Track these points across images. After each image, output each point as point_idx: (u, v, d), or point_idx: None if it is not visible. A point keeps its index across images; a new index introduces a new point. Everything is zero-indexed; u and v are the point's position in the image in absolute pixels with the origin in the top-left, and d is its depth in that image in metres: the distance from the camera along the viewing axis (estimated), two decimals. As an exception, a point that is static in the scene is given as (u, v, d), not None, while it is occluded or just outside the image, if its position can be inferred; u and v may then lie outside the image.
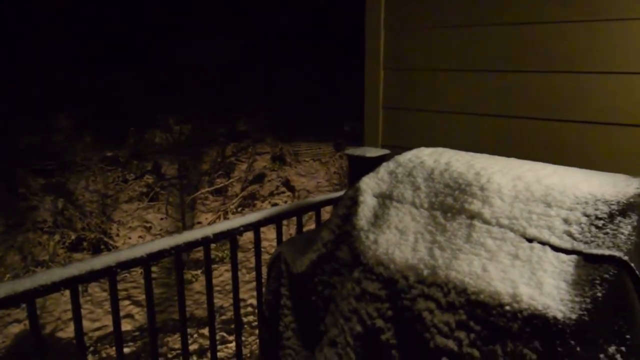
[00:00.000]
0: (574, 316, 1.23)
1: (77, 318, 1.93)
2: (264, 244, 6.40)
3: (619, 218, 1.40)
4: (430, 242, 1.58)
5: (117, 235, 7.25)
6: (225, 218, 7.51)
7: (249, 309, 5.26)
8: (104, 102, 10.73)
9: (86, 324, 5.00)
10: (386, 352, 1.56)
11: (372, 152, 2.76)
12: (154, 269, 6.04)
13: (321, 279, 1.87)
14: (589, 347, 1.21)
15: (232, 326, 4.66)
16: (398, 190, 1.81)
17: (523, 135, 2.60)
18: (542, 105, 2.53)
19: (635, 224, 1.38)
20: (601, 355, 1.20)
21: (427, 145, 2.09)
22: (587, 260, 1.33)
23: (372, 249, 1.66)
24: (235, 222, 2.38)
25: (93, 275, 1.89)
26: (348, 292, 1.69)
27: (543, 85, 2.52)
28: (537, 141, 2.56)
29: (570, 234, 1.40)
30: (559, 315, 1.24)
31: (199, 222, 7.73)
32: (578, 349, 1.21)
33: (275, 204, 8.00)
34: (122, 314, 5.09)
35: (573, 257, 1.35)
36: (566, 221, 1.43)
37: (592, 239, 1.37)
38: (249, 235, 6.46)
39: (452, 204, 1.65)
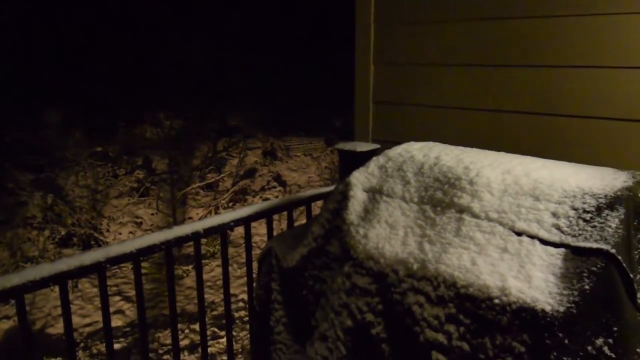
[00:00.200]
0: (562, 309, 1.24)
1: (67, 314, 1.92)
2: (255, 238, 6.40)
3: (606, 211, 1.41)
4: (420, 236, 1.59)
5: (108, 230, 7.22)
6: (217, 213, 7.50)
7: (240, 304, 5.27)
8: (93, 97, 10.64)
9: (76, 320, 4.99)
10: (376, 346, 1.56)
11: (362, 146, 2.76)
12: (144, 264, 6.03)
13: (312, 274, 1.87)
14: (577, 339, 1.22)
15: (224, 321, 4.66)
16: (388, 184, 1.81)
17: (513, 129, 2.61)
18: (532, 100, 2.54)
19: (622, 217, 1.39)
20: (589, 347, 1.22)
21: (418, 139, 2.09)
22: (575, 253, 1.33)
23: (362, 243, 1.67)
24: (226, 216, 2.37)
25: (82, 271, 1.88)
26: (338, 287, 1.69)
27: (533, 79, 2.53)
28: (527, 135, 2.57)
29: (558, 228, 1.41)
30: (548, 308, 1.25)
31: (190, 218, 7.72)
32: (566, 341, 1.22)
33: (267, 199, 8.00)
34: (112, 309, 5.08)
35: (561, 250, 1.36)
36: (555, 215, 1.44)
37: (580, 232, 1.38)
38: (240, 231, 6.46)
39: (441, 198, 1.65)
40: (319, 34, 11.88)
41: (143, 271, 5.03)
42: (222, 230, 2.38)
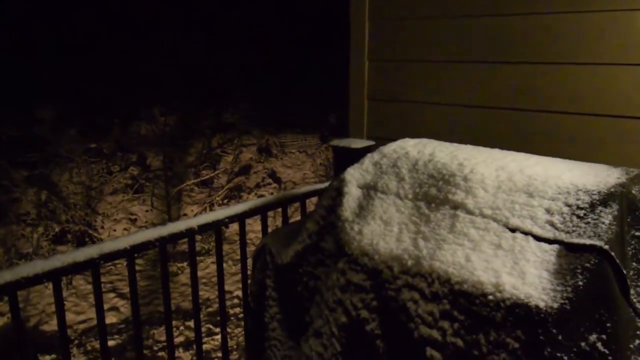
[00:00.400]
0: (555, 305, 1.24)
1: (60, 311, 1.91)
2: (250, 235, 6.40)
3: (600, 208, 1.41)
4: (415, 233, 1.59)
5: (102, 227, 7.20)
6: (211, 210, 7.48)
7: (235, 301, 5.26)
8: (87, 93, 10.60)
9: (71, 316, 4.97)
10: (371, 342, 1.57)
11: (357, 143, 2.76)
12: (139, 261, 6.02)
13: (306, 270, 1.87)
14: (571, 335, 1.23)
15: (218, 318, 4.65)
16: (382, 181, 1.81)
17: (508, 126, 2.62)
18: (527, 97, 2.55)
19: (616, 213, 1.40)
20: (582, 344, 1.22)
21: (412, 136, 2.09)
22: (568, 250, 1.34)
23: (357, 239, 1.66)
24: (220, 213, 2.37)
25: (76, 268, 1.88)
26: (333, 283, 1.69)
27: (529, 76, 2.53)
28: (521, 132, 2.58)
29: (552, 224, 1.41)
30: (541, 305, 1.26)
31: (185, 214, 7.70)
32: (560, 337, 1.23)
33: (262, 196, 7.99)
34: (107, 306, 5.07)
35: (555, 246, 1.36)
36: (548, 211, 1.45)
37: (574, 228, 1.38)
38: (235, 227, 6.45)
39: (436, 195, 1.65)
40: (314, 30, 11.85)
41: (137, 268, 5.02)
42: (216, 227, 2.37)
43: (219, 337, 4.52)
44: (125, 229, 7.25)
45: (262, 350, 2.08)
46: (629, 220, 1.43)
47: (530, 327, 1.26)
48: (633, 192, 1.48)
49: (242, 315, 4.77)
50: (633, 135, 2.30)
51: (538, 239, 1.40)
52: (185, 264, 6.05)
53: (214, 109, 11.21)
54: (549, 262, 1.33)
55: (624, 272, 1.30)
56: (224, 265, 2.61)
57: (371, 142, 2.80)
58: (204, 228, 2.30)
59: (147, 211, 7.72)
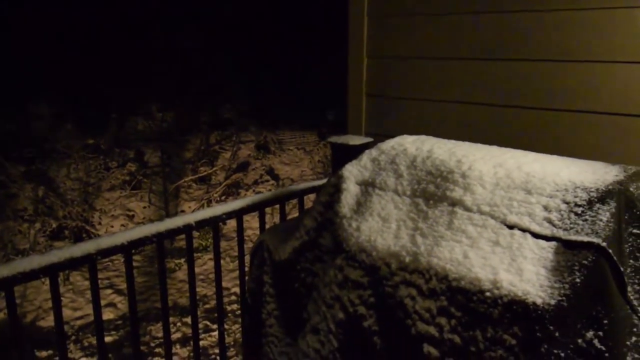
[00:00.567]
0: (553, 302, 1.24)
1: (57, 307, 1.91)
2: (248, 232, 6.40)
3: (597, 205, 1.41)
4: (413, 229, 1.59)
5: (99, 223, 7.19)
6: (209, 206, 7.47)
7: (233, 297, 5.26)
8: (85, 89, 10.57)
9: (68, 312, 4.97)
10: (368, 338, 1.57)
11: (355, 140, 2.76)
12: (137, 257, 6.01)
13: (304, 267, 1.87)
14: (568, 332, 1.23)
15: (216, 315, 4.66)
16: (381, 177, 1.81)
17: (506, 123, 2.62)
18: (524, 94, 2.55)
19: (613, 210, 1.40)
20: (579, 340, 1.22)
21: (410, 133, 2.09)
22: (566, 247, 1.34)
23: (355, 236, 1.66)
24: (218, 209, 2.37)
25: (73, 263, 1.87)
26: (330, 280, 1.69)
27: (526, 73, 2.53)
28: (520, 129, 2.58)
29: (550, 221, 1.41)
30: (539, 301, 1.26)
31: (183, 211, 7.69)
32: (557, 334, 1.23)
33: (259, 193, 7.98)
34: (104, 302, 5.07)
35: (553, 243, 1.36)
36: (546, 208, 1.45)
37: (572, 225, 1.38)
38: (232, 224, 6.45)
39: (434, 191, 1.65)
40: (312, 27, 11.84)
41: (135, 264, 5.01)
42: (214, 223, 2.37)
43: (216, 333, 4.52)
44: (122, 225, 7.25)
45: (259, 346, 2.08)
46: (626, 217, 1.43)
47: (528, 323, 1.26)
48: (631, 189, 1.48)
49: (239, 311, 4.77)
50: (631, 133, 2.30)
51: (536, 236, 1.40)
52: (182, 260, 6.05)
53: (212, 106, 11.19)
54: (546, 259, 1.33)
55: (621, 269, 1.30)
56: (222, 261, 2.61)
57: (369, 139, 2.80)
58: (201, 224, 2.29)
59: (144, 207, 7.71)
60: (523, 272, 1.32)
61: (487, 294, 1.33)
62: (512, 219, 1.46)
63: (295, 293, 1.90)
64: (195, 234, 6.33)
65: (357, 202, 1.78)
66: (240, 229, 2.56)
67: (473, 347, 1.34)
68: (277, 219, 3.48)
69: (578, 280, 1.26)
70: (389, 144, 1.96)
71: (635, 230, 1.41)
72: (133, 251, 2.13)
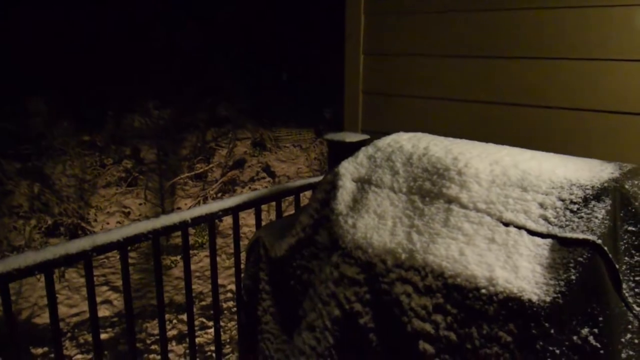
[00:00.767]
0: (548, 299, 1.25)
1: (52, 303, 1.90)
2: (244, 229, 6.40)
3: (593, 202, 1.42)
4: (409, 227, 1.59)
5: (95, 220, 7.18)
6: (205, 203, 7.47)
7: (229, 294, 5.26)
8: (81, 86, 10.53)
9: (63, 309, 4.96)
10: (364, 335, 1.57)
11: (351, 137, 2.75)
12: (132, 254, 6.00)
13: (300, 264, 1.87)
14: (563, 329, 1.23)
15: (212, 312, 4.65)
16: (377, 174, 1.81)
17: (502, 120, 2.62)
18: (522, 91, 2.55)
19: (609, 208, 1.40)
20: (574, 337, 1.22)
21: (407, 130, 2.09)
22: (562, 244, 1.34)
23: (351, 233, 1.66)
24: (214, 206, 2.36)
25: (68, 260, 1.87)
26: (326, 277, 1.69)
27: (523, 71, 2.53)
28: (516, 127, 2.58)
29: (545, 218, 1.41)
30: (534, 298, 1.26)
31: (179, 208, 7.69)
32: (552, 331, 1.23)
33: (256, 190, 7.97)
34: (100, 299, 5.06)
35: (548, 240, 1.36)
36: (542, 205, 1.45)
37: (567, 223, 1.38)
38: (228, 221, 6.44)
39: (430, 189, 1.65)
40: (309, 24, 11.82)
41: (130, 261, 5.00)
42: (210, 220, 2.37)
43: (212, 330, 4.52)
44: (118, 222, 7.24)
45: (255, 343, 2.08)
46: (621, 214, 1.43)
47: (523, 320, 1.26)
48: (626, 187, 1.48)
49: (235, 308, 4.78)
50: (627, 131, 2.31)
51: (531, 233, 1.40)
52: (178, 257, 6.04)
53: (209, 103, 11.17)
54: (542, 256, 1.34)
55: (617, 266, 1.31)
56: (218, 258, 2.61)
57: (366, 136, 2.79)
58: (197, 221, 2.29)
59: (140, 204, 7.70)
60: (519, 269, 1.33)
61: (483, 291, 1.33)
62: (508, 216, 1.46)
63: (291, 290, 1.90)
64: (191, 231, 6.33)
65: (353, 199, 1.78)
66: (236, 226, 2.56)
67: (469, 344, 1.34)
68: (273, 216, 3.48)
69: (573, 277, 1.26)
70: (385, 141, 1.96)
71: (630, 228, 1.42)
72: (129, 248, 2.12)
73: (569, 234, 1.35)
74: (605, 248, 1.30)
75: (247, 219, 6.61)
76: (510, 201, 1.49)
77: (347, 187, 1.82)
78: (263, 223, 2.59)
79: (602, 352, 1.20)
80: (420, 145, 1.85)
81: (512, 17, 2.51)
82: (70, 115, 9.84)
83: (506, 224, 1.45)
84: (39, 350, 4.40)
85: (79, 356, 4.37)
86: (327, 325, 1.66)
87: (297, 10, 12.09)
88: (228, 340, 4.48)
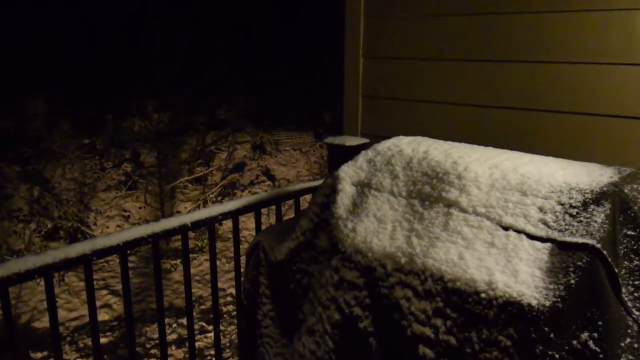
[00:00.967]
0: (547, 303, 1.25)
1: (52, 308, 1.90)
2: (244, 233, 6.39)
3: (592, 206, 1.42)
4: (408, 231, 1.59)
5: (95, 224, 7.18)
6: (205, 207, 7.46)
7: (229, 298, 5.26)
8: (81, 89, 10.54)
9: (63, 313, 4.95)
10: (364, 339, 1.57)
11: (351, 140, 2.75)
12: (132, 258, 6.00)
13: (300, 267, 1.87)
14: (562, 333, 1.23)
15: (211, 316, 4.64)
16: (377, 178, 1.81)
17: (503, 125, 2.62)
18: (521, 95, 2.55)
19: (608, 212, 1.40)
20: (574, 342, 1.22)
21: (406, 134, 2.09)
22: (561, 248, 1.34)
23: (351, 237, 1.66)
24: (214, 210, 2.36)
25: (68, 264, 1.86)
26: (326, 280, 1.69)
27: (523, 75, 2.53)
28: (516, 131, 2.58)
29: (545, 222, 1.42)
30: (534, 303, 1.26)
31: (178, 211, 7.68)
32: (551, 335, 1.23)
33: (255, 193, 7.98)
34: (99, 303, 5.06)
35: (548, 245, 1.37)
36: (541, 209, 1.45)
37: (567, 227, 1.39)
38: (228, 225, 6.44)
39: (429, 193, 1.65)
40: (308, 27, 11.84)
41: (130, 265, 5.00)
42: (210, 224, 2.37)
43: (211, 334, 4.52)
44: (118, 225, 7.23)
45: (255, 347, 2.08)
46: (621, 219, 1.43)
47: (523, 325, 1.26)
48: (625, 191, 1.48)
49: (235, 312, 4.77)
50: (626, 135, 2.31)
51: (531, 237, 1.40)
52: (178, 261, 6.04)
53: (208, 106, 11.17)
54: (541, 261, 1.34)
55: (616, 270, 1.31)
56: (217, 262, 2.61)
57: (365, 140, 2.80)
58: (197, 225, 2.29)
59: (140, 208, 7.70)
60: (518, 273, 1.33)
61: (483, 295, 1.33)
62: (508, 220, 1.46)
63: (291, 294, 1.90)
64: (191, 234, 6.33)
65: (353, 203, 1.78)
66: (236, 230, 2.56)
67: (468, 348, 1.34)
68: (273, 220, 3.49)
69: (573, 281, 1.27)
70: (385, 145, 1.96)
71: (629, 232, 1.42)
72: (128, 252, 2.12)
73: (568, 238, 1.35)
74: (605, 252, 1.30)
75: (247, 222, 6.61)
76: (510, 205, 1.50)
77: (347, 191, 1.82)
78: (263, 227, 2.59)
79: (601, 356, 1.20)
80: (420, 149, 1.86)
81: (511, 20, 2.52)
82: (69, 118, 9.85)
83: (506, 228, 1.45)
84: (39, 355, 4.40)
85: (79, 360, 4.36)
86: (327, 329, 1.66)
87: (297, 12, 12.11)
88: (228, 344, 4.47)
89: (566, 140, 2.45)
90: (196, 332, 4.52)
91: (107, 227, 7.13)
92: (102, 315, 4.97)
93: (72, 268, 4.73)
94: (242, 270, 2.38)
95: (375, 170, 1.85)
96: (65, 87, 10.47)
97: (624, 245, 1.40)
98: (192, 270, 5.70)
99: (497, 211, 1.50)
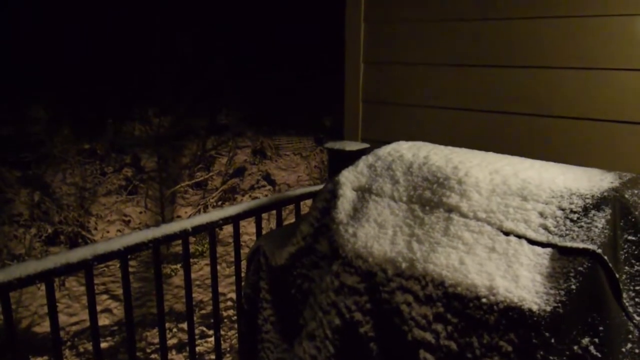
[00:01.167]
0: (548, 308, 1.25)
1: (53, 312, 1.90)
2: (244, 237, 6.39)
3: (593, 212, 1.42)
4: (409, 236, 1.59)
5: (95, 228, 7.18)
6: (205, 212, 7.46)
7: (229, 303, 5.25)
8: (81, 93, 10.56)
9: (63, 318, 4.95)
10: (364, 345, 1.56)
11: (351, 145, 2.76)
12: (132, 262, 6.00)
13: (300, 272, 1.87)
14: (563, 338, 1.23)
15: (212, 320, 4.64)
16: (377, 183, 1.81)
17: (502, 129, 2.62)
18: (521, 101, 2.56)
19: (608, 217, 1.40)
20: (575, 347, 1.22)
21: (407, 139, 2.09)
22: (562, 253, 1.34)
23: (351, 242, 1.66)
24: (215, 215, 2.36)
25: (69, 269, 1.87)
26: (327, 286, 1.69)
27: (522, 80, 2.54)
28: (516, 136, 2.58)
29: (545, 227, 1.42)
30: (534, 308, 1.26)
31: (179, 216, 7.69)
32: (552, 340, 1.23)
33: (256, 198, 7.97)
34: (100, 308, 5.05)
35: (548, 250, 1.37)
36: (542, 215, 1.45)
37: (567, 232, 1.39)
38: (229, 229, 6.44)
39: (430, 198, 1.65)
40: (309, 32, 11.86)
41: (130, 270, 5.00)
42: (210, 229, 2.37)
43: (212, 339, 4.51)
44: (118, 230, 7.23)
45: (255, 352, 2.08)
46: (621, 224, 1.43)
47: (523, 330, 1.26)
48: (626, 196, 1.48)
49: (235, 317, 4.77)
50: (627, 140, 2.31)
51: (531, 242, 1.40)
52: (178, 265, 6.03)
53: (209, 111, 11.19)
54: (542, 266, 1.34)
55: (617, 275, 1.31)
56: (218, 267, 2.61)
57: (366, 145, 2.80)
58: (197, 230, 2.29)
59: (140, 213, 7.70)
60: (519, 278, 1.33)
61: (483, 300, 1.33)
62: (508, 225, 1.46)
63: (292, 299, 1.90)
64: (191, 239, 6.32)
65: (354, 208, 1.78)
66: (236, 235, 2.56)
67: (469, 353, 1.34)
68: (273, 225, 3.49)
69: (574, 286, 1.27)
70: (386, 150, 1.96)
71: (630, 237, 1.42)
72: (129, 257, 2.12)
73: (569, 243, 1.35)
74: (606, 257, 1.30)
75: (248, 227, 6.61)
76: (511, 210, 1.50)
77: (347, 196, 1.83)
78: (263, 232, 2.59)
79: (602, 361, 1.20)
80: (421, 154, 1.86)
81: (512, 26, 2.53)
82: (70, 123, 9.87)
83: (506, 233, 1.45)
84: (39, 359, 4.39)
85: (79, 365, 4.35)
86: (327, 335, 1.66)
87: (298, 17, 12.13)
88: (228, 349, 4.46)
89: (567, 146, 2.45)
90: (196, 337, 4.51)
91: (108, 232, 7.13)
92: (103, 320, 4.97)
93: (73, 273, 4.74)
94: (243, 275, 2.38)
95: (375, 175, 1.85)
96: (65, 89, 10.49)
97: (624, 251, 1.40)
98: (193, 275, 5.70)
99: (498, 216, 1.50)
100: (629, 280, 1.35)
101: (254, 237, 2.85)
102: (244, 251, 4.77)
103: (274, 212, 2.72)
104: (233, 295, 5.26)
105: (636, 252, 1.40)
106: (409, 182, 1.76)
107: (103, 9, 11.35)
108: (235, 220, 2.45)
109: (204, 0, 11.87)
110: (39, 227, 6.76)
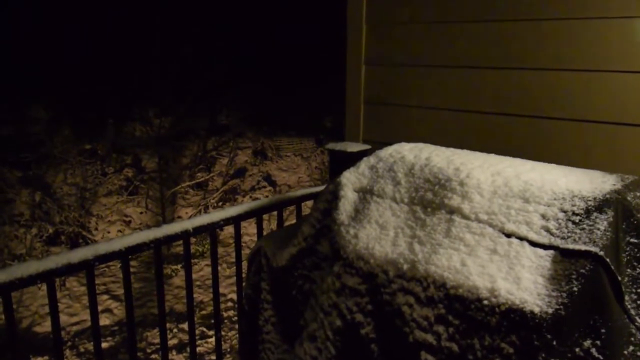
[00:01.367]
0: (550, 310, 1.25)
1: (54, 312, 1.90)
2: (245, 238, 6.39)
3: (595, 214, 1.42)
4: (410, 237, 1.59)
5: (96, 229, 7.18)
6: (206, 212, 7.46)
7: (230, 303, 5.25)
8: (82, 94, 10.56)
9: (64, 318, 4.95)
10: (366, 346, 1.56)
11: (353, 147, 2.76)
12: (133, 263, 6.00)
13: (301, 273, 1.87)
14: (565, 341, 1.23)
15: (212, 321, 4.64)
16: (379, 185, 1.81)
17: (504, 131, 2.62)
18: (522, 102, 2.56)
19: (610, 219, 1.40)
20: (577, 349, 1.22)
21: (408, 140, 2.09)
22: (564, 256, 1.34)
23: (353, 243, 1.66)
24: (216, 215, 2.36)
25: (70, 269, 1.87)
26: (328, 287, 1.69)
27: (524, 82, 2.54)
28: (518, 137, 2.58)
29: (547, 230, 1.42)
30: (536, 310, 1.26)
31: (179, 217, 7.69)
32: (554, 342, 1.23)
33: (257, 199, 7.97)
34: (100, 308, 5.05)
35: (550, 252, 1.37)
36: (544, 217, 1.45)
37: (569, 234, 1.39)
38: (229, 230, 6.44)
39: (432, 199, 1.65)
40: (310, 33, 11.87)
41: (131, 270, 5.00)
42: (211, 230, 2.37)
43: (212, 339, 4.51)
44: (119, 230, 7.24)
45: (256, 353, 2.08)
46: (623, 226, 1.43)
47: (525, 332, 1.26)
48: (628, 198, 1.48)
49: (236, 318, 4.77)
50: (628, 142, 2.31)
51: (533, 244, 1.40)
52: (179, 266, 6.03)
53: (210, 112, 11.19)
54: (544, 268, 1.34)
55: (619, 278, 1.31)
56: (219, 268, 2.61)
57: (367, 146, 2.80)
58: (198, 230, 2.29)
59: (141, 213, 7.70)
60: (521, 280, 1.33)
61: (485, 302, 1.33)
62: (510, 227, 1.46)
63: (293, 300, 1.90)
64: (192, 239, 6.33)
65: (355, 210, 1.78)
66: (237, 235, 2.56)
67: (470, 355, 1.34)
68: (274, 226, 3.48)
69: (576, 289, 1.26)
70: (387, 152, 1.96)
71: (632, 239, 1.42)
72: (130, 257, 2.12)
73: (571, 246, 1.35)
74: (608, 260, 1.30)
75: (248, 227, 6.61)
76: (512, 212, 1.50)
77: (348, 197, 1.83)
78: (264, 232, 2.59)
79: (604, 364, 1.20)
80: (422, 155, 1.86)
81: (512, 28, 2.53)
82: (71, 123, 9.87)
83: (508, 235, 1.45)
84: (40, 359, 4.39)
85: (79, 365, 4.35)
86: (328, 336, 1.65)
87: (299, 19, 12.13)
88: (229, 350, 4.46)
89: (568, 147, 2.45)
90: (197, 337, 4.51)
91: (109, 232, 7.13)
92: (103, 320, 4.97)
93: (74, 273, 4.74)
94: (244, 275, 2.37)
95: (377, 176, 1.85)
96: (66, 89, 10.49)
97: (626, 253, 1.40)
98: (193, 276, 5.69)
99: (500, 218, 1.50)
100: (631, 283, 1.35)
101: (255, 238, 2.85)
102: (245, 252, 4.78)
103: (275, 213, 2.72)
104: (234, 296, 5.26)
105: (638, 255, 1.40)
106: (411, 183, 1.76)
107: (103, 9, 11.35)
108: (236, 221, 2.45)
109: (204, 0, 11.87)
110: (40, 227, 6.77)
